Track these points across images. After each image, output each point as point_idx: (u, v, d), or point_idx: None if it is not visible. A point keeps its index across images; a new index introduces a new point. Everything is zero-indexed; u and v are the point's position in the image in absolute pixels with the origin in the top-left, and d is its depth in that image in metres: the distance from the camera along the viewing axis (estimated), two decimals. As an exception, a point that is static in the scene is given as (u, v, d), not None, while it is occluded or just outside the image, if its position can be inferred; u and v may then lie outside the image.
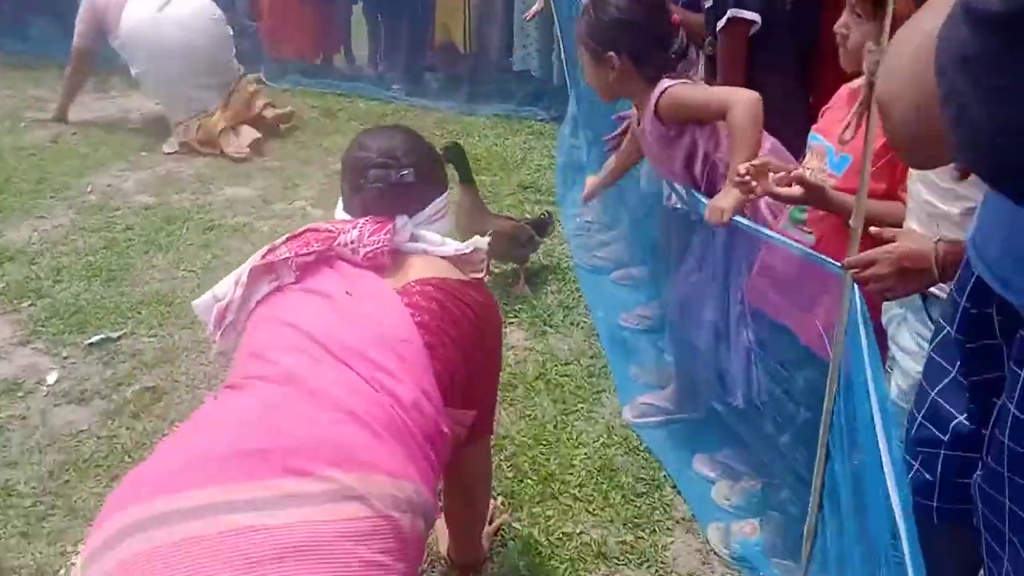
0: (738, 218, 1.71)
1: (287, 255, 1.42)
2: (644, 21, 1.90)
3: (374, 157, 1.49)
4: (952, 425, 1.09)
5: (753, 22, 2.16)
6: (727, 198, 1.73)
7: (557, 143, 4.25)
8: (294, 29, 5.30)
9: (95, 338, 2.60)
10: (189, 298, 2.85)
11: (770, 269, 1.77)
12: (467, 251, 1.51)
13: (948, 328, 1.11)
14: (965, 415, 1.08)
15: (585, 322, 2.77)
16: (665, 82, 1.91)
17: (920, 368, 1.22)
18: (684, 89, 1.89)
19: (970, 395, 1.07)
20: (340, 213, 1.58)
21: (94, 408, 2.32)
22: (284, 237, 1.47)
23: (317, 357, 1.28)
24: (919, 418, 1.14)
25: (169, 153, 4.17)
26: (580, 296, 2.91)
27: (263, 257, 1.44)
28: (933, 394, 1.13)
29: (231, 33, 4.31)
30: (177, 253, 3.18)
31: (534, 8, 3.25)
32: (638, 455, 2.17)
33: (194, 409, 2.25)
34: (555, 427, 2.27)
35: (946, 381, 1.11)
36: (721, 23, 2.16)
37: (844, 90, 1.65)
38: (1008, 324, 0.97)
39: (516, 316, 2.79)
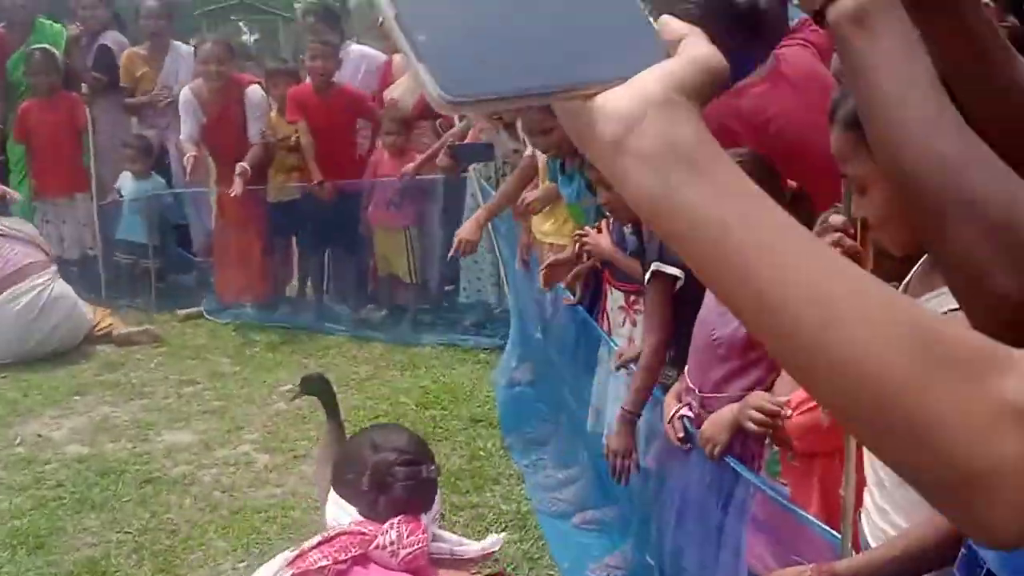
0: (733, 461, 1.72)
1: (324, 563, 1.40)
2: None
3: (398, 456, 1.54)
4: None
5: (677, 277, 2.13)
6: (721, 423, 1.71)
7: (499, 374, 4.29)
8: (242, 270, 5.35)
9: (17, 623, 2.36)
10: (124, 565, 2.66)
11: (762, 525, 1.74)
12: (494, 550, 1.54)
13: None
14: None
15: (552, 575, 2.65)
16: None
17: None
18: None
19: None
20: (336, 510, 1.55)
21: None
22: (316, 540, 1.45)
23: None
24: None
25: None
26: (545, 544, 2.81)
27: (293, 562, 1.42)
28: None
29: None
30: (112, 512, 2.98)
31: (454, 247, 3.34)
32: None
33: None
34: None
35: None
36: (647, 275, 2.22)
37: None
38: None
39: (478, 572, 2.65)
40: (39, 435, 3.60)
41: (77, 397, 4.02)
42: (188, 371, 4.43)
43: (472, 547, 1.57)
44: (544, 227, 3.42)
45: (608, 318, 2.83)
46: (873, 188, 1.19)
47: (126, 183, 5.51)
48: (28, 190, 5.56)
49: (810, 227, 1.98)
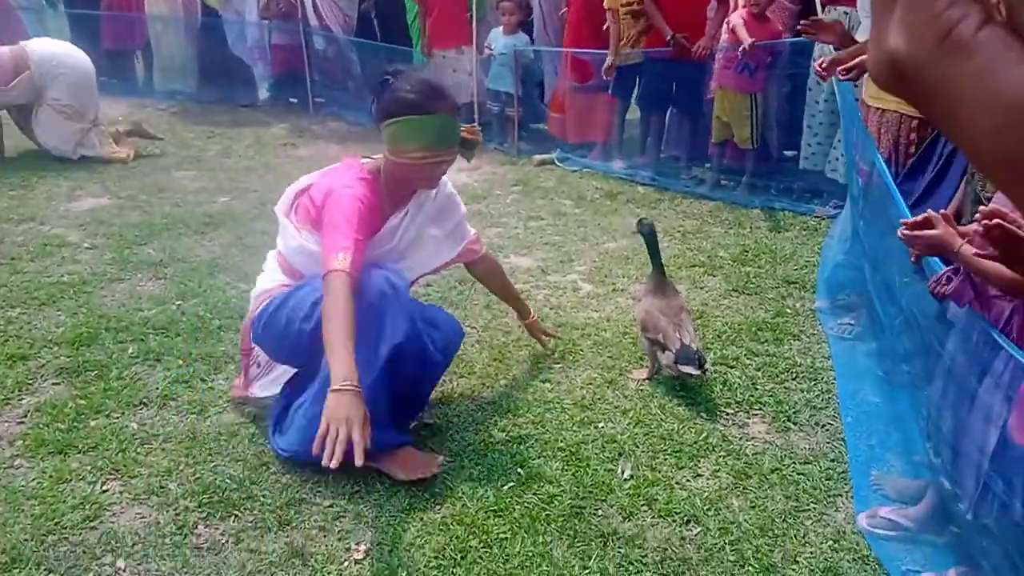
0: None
1: None
2: None
3: None
4: None
5: None
6: None
7: (824, 241, 4.27)
8: (582, 116, 5.83)
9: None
10: (470, 352, 3.30)
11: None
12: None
13: None
14: None
15: (832, 424, 2.78)
16: None
17: None
18: None
19: None
20: None
21: (384, 434, 2.77)
22: None
23: None
24: None
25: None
26: (831, 398, 2.93)
27: None
28: None
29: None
30: (464, 311, 3.65)
31: None
32: (867, 564, 2.17)
33: (463, 448, 2.64)
34: (784, 521, 2.33)
35: None
36: None
37: None
38: None
39: (760, 408, 2.88)
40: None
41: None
42: (536, 209, 5.03)
43: None
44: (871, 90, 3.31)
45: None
46: None
47: (496, 38, 6.14)
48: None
49: None
